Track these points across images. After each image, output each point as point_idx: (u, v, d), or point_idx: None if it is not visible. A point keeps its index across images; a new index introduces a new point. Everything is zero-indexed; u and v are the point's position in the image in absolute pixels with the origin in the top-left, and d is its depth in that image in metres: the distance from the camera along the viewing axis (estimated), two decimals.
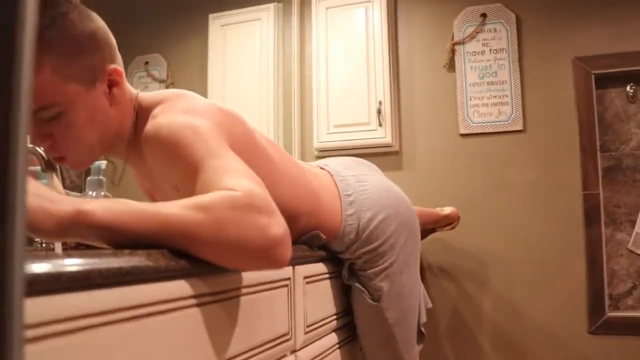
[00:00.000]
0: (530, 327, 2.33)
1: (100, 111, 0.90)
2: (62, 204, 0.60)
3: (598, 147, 2.30)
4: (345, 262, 1.30)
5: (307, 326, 1.09)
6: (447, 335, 2.43)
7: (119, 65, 0.93)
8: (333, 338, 1.28)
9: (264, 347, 0.88)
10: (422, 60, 2.57)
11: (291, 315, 1.01)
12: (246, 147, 0.95)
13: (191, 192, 0.76)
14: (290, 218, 1.09)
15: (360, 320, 1.32)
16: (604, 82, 2.32)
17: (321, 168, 1.34)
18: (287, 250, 0.72)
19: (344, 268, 1.31)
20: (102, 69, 0.89)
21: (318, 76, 2.63)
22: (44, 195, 0.60)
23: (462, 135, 2.46)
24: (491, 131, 2.43)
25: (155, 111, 0.91)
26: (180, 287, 0.65)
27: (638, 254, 2.29)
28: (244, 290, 0.81)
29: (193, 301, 0.68)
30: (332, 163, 1.39)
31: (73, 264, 0.49)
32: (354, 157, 1.49)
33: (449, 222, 2.26)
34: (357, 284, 1.29)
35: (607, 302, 2.28)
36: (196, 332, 0.68)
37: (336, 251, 1.28)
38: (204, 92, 2.66)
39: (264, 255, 0.70)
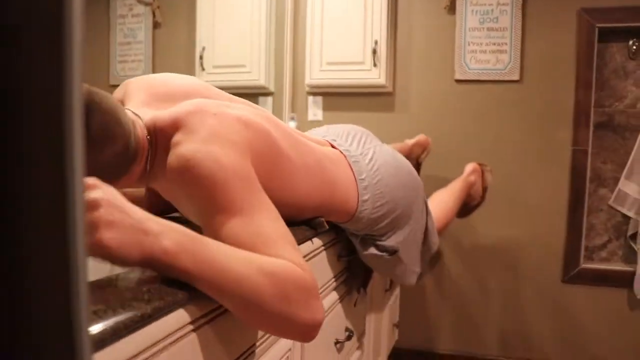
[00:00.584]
0: (507, 271, 2.40)
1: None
2: (153, 239, 0.63)
3: (592, 103, 2.28)
4: (357, 237, 1.37)
5: None
6: (429, 285, 2.49)
7: (115, 180, 0.87)
8: (334, 296, 1.33)
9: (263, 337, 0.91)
10: (422, 0, 2.48)
11: None
12: (270, 160, 0.94)
13: (215, 232, 0.77)
14: (307, 210, 1.14)
15: (379, 269, 1.45)
16: (606, 36, 2.28)
17: (332, 146, 1.30)
18: (319, 329, 0.78)
19: (356, 242, 1.38)
20: None
21: (313, 10, 2.52)
22: (135, 221, 0.62)
23: (457, 81, 2.42)
24: (487, 79, 2.39)
25: (177, 139, 0.84)
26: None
27: (617, 210, 2.34)
28: None
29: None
30: (337, 136, 1.36)
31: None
32: (352, 125, 1.45)
33: (422, 148, 2.26)
34: (373, 251, 1.35)
35: (582, 254, 2.35)
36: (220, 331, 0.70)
37: (344, 227, 1.33)
38: (192, 23, 2.55)
39: (304, 334, 0.77)
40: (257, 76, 2.59)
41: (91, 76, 2.38)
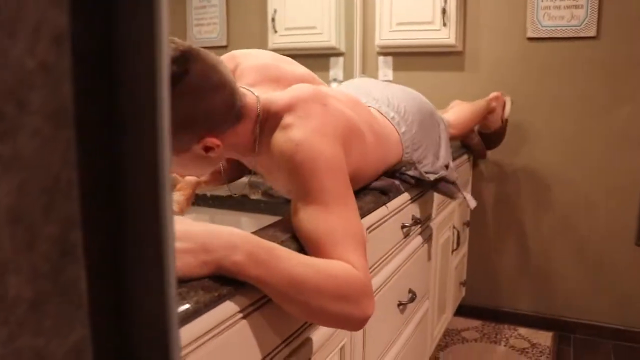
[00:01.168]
0: (578, 232, 2.38)
1: (198, 160, 0.96)
2: (219, 256, 0.72)
3: None
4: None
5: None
6: (496, 243, 2.52)
7: (219, 130, 0.93)
8: (398, 259, 1.42)
9: None
10: None
11: None
12: (357, 147, 1.05)
13: (297, 212, 0.89)
14: (376, 175, 1.28)
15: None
16: None
17: (380, 112, 1.42)
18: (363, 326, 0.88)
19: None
20: (196, 143, 0.92)
21: None
22: (197, 246, 0.71)
23: (530, 39, 2.36)
24: (561, 36, 2.32)
25: (287, 120, 0.94)
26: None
27: None
28: None
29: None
30: (378, 95, 1.49)
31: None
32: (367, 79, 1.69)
33: (498, 105, 2.28)
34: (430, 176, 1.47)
35: None
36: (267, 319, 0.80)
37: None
38: None
39: (354, 327, 0.88)
40: (327, 37, 2.63)
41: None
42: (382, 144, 1.26)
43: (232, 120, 0.94)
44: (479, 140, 2.37)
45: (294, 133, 0.92)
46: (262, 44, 2.71)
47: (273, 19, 2.69)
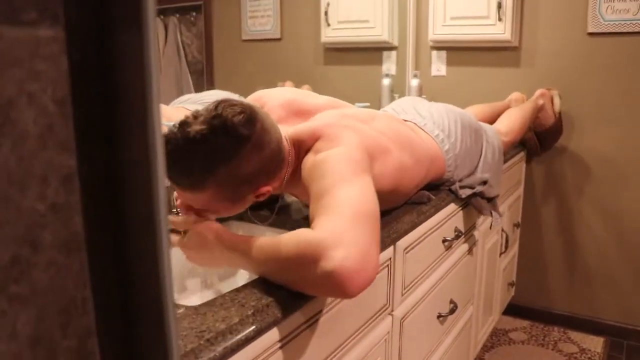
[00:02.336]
0: (635, 236, 2.30)
1: (245, 204, 1.01)
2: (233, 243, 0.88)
3: None
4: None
5: (404, 288, 1.22)
6: (548, 243, 2.47)
7: (273, 178, 0.99)
8: (438, 273, 1.42)
9: (366, 324, 1.05)
10: None
11: (390, 288, 1.15)
12: (398, 181, 1.11)
13: (314, 207, 0.89)
14: (415, 189, 1.29)
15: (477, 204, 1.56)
16: None
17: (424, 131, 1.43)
18: (355, 286, 0.76)
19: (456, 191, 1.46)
20: (253, 192, 0.98)
21: None
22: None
23: (590, 34, 2.27)
24: (625, 31, 2.21)
25: (318, 146, 1.01)
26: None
27: None
28: None
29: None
30: (425, 112, 1.50)
31: None
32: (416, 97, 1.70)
33: (546, 101, 2.27)
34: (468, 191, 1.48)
35: None
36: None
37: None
38: None
39: (335, 291, 0.77)
40: (380, 31, 2.61)
41: (226, 33, 2.56)
42: (423, 158, 1.27)
43: (281, 165, 1.01)
44: (532, 135, 2.32)
45: (319, 156, 0.98)
46: (315, 38, 2.72)
47: (326, 13, 2.69)
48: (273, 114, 1.14)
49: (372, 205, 0.87)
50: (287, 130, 1.07)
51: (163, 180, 0.34)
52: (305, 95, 1.24)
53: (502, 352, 2.25)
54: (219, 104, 0.91)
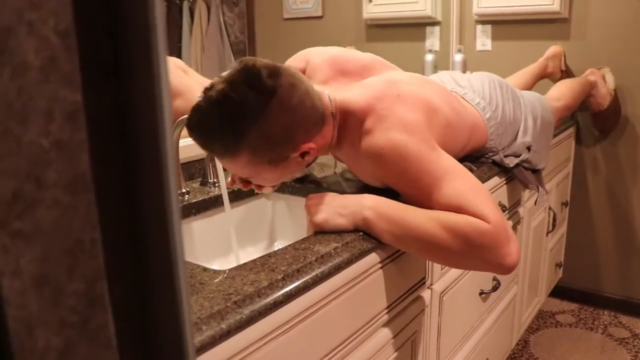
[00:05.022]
0: None
1: (293, 166, 0.99)
2: (353, 212, 0.93)
3: None
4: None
5: None
6: (599, 223, 2.38)
7: (312, 135, 0.97)
8: None
9: (403, 296, 1.03)
10: None
11: (428, 262, 1.13)
12: (438, 124, 1.07)
13: (423, 200, 0.94)
14: (461, 154, 1.29)
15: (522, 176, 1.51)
16: None
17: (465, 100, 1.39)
18: (516, 266, 0.90)
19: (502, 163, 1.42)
20: (294, 151, 0.95)
21: None
22: (335, 205, 0.95)
23: None
24: None
25: (368, 125, 0.99)
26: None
27: None
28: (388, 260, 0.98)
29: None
30: (464, 82, 1.46)
31: None
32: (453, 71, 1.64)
33: (557, 59, 2.24)
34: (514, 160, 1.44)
35: None
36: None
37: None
38: None
39: (496, 272, 0.90)
40: (423, 6, 2.55)
41: (267, 12, 2.55)
42: (465, 123, 1.24)
43: (320, 123, 0.98)
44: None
45: (376, 138, 0.97)
46: (357, 14, 2.68)
47: None
48: (318, 71, 1.14)
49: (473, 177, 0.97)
50: (334, 94, 1.05)
51: (169, 115, 0.33)
52: (350, 53, 1.21)
53: (548, 334, 2.18)
54: (241, 60, 0.88)
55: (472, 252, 0.87)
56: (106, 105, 0.32)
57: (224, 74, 0.88)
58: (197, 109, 0.86)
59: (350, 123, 1.03)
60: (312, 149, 0.96)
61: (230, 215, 1.17)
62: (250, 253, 1.23)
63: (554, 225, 2.07)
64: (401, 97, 1.02)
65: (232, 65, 0.89)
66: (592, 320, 2.29)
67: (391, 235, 0.91)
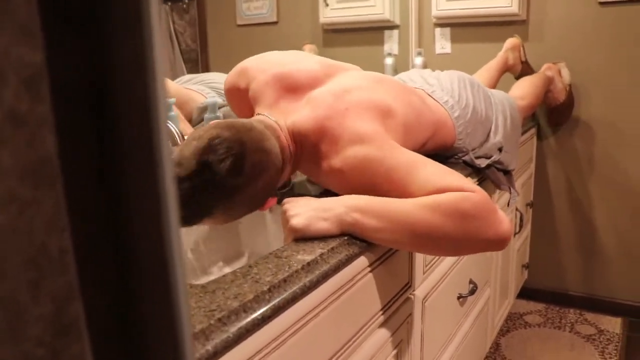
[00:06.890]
0: None
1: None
2: (337, 215, 0.86)
3: None
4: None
5: (425, 265, 1.14)
6: (561, 223, 2.39)
7: (273, 192, 0.98)
8: (448, 260, 1.32)
9: (386, 306, 0.97)
10: None
11: (411, 265, 1.07)
12: (405, 137, 1.05)
13: (394, 194, 0.90)
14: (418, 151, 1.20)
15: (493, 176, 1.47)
16: None
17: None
18: (511, 236, 0.87)
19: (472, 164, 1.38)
20: (261, 206, 0.97)
21: None
22: (314, 207, 0.87)
23: (602, 3, 2.17)
24: None
25: (323, 149, 0.97)
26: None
27: None
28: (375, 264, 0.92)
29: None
30: (432, 80, 1.43)
31: None
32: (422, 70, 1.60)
33: (516, 50, 2.23)
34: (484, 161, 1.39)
35: None
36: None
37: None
38: None
39: (493, 247, 0.87)
40: (381, 9, 2.52)
41: (220, 19, 2.47)
42: (426, 120, 1.19)
43: (280, 172, 0.97)
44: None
45: (334, 162, 0.95)
46: (314, 19, 2.63)
47: None
48: (262, 95, 1.07)
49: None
50: (284, 119, 1.01)
51: (163, 86, 0.25)
52: (296, 64, 1.12)
53: (519, 336, 2.17)
54: (203, 151, 0.85)
55: (466, 226, 0.83)
56: (78, 68, 0.24)
57: (185, 157, 0.85)
58: None
59: (305, 147, 1.00)
60: (273, 203, 0.98)
61: (192, 229, 1.09)
62: (221, 267, 1.15)
63: (520, 226, 2.06)
64: (350, 109, 0.98)
65: (198, 134, 0.88)
66: (559, 319, 2.29)
67: (382, 232, 0.86)
